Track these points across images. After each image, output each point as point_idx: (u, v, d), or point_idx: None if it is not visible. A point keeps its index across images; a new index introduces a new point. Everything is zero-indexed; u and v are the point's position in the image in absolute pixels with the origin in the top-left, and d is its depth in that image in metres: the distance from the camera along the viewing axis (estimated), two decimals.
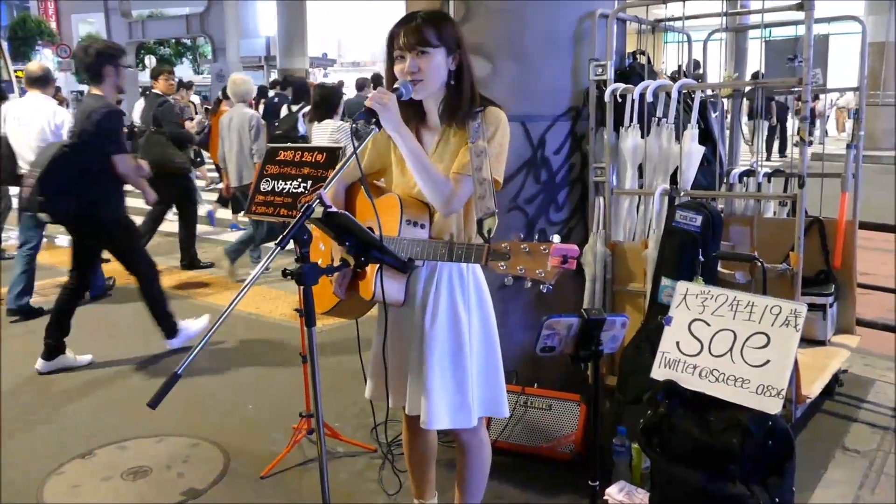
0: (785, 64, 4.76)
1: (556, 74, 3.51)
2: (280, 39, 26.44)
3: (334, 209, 1.93)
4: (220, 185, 7.60)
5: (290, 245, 1.87)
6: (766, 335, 2.55)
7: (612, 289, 3.62)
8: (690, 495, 2.57)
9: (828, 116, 20.00)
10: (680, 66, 4.11)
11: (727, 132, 4.31)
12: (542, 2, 3.41)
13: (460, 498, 2.59)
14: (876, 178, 11.77)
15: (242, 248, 6.75)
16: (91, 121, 4.39)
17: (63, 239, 8.94)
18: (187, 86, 13.71)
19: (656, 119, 3.50)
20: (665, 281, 3.25)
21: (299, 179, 3.67)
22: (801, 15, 3.19)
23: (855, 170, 3.86)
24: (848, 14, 4.04)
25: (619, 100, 3.51)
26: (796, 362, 3.09)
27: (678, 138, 3.46)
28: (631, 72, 3.72)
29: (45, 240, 6.24)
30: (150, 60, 30.09)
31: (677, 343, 2.71)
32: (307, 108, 7.24)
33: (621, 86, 3.48)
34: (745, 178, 3.97)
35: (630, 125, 3.51)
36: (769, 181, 3.98)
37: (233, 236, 7.96)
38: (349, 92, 15.12)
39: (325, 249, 2.44)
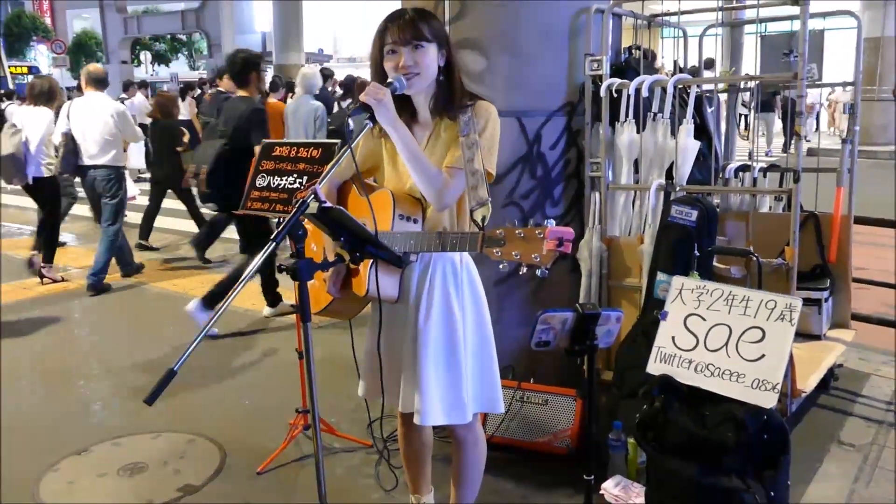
0: (780, 59, 4.77)
1: (552, 69, 3.50)
2: (276, 35, 26.38)
3: (329, 204, 1.93)
4: None
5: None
6: (762, 330, 2.56)
7: (607, 284, 3.63)
8: (686, 489, 2.58)
9: (818, 112, 20.00)
10: (675, 62, 4.11)
11: (723, 127, 4.31)
12: None
13: (456, 493, 2.59)
14: (871, 173, 11.79)
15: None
16: (243, 119, 5.02)
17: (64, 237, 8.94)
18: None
19: (652, 114, 3.51)
20: (661, 276, 3.25)
21: (295, 175, 3.67)
22: (796, 10, 3.20)
23: (850, 165, 3.87)
24: (843, 9, 4.05)
25: (615, 95, 3.51)
26: (791, 356, 3.10)
27: (674, 133, 3.46)
28: (626, 67, 3.72)
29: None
30: (146, 56, 30.03)
31: (673, 338, 2.72)
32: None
33: (617, 81, 3.47)
34: (740, 173, 3.97)
35: (626, 120, 3.51)
36: (765, 176, 3.98)
37: None
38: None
39: (316, 250, 2.44)
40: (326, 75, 11.68)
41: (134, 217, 7.76)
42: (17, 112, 7.17)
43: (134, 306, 6.06)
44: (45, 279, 6.61)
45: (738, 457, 2.50)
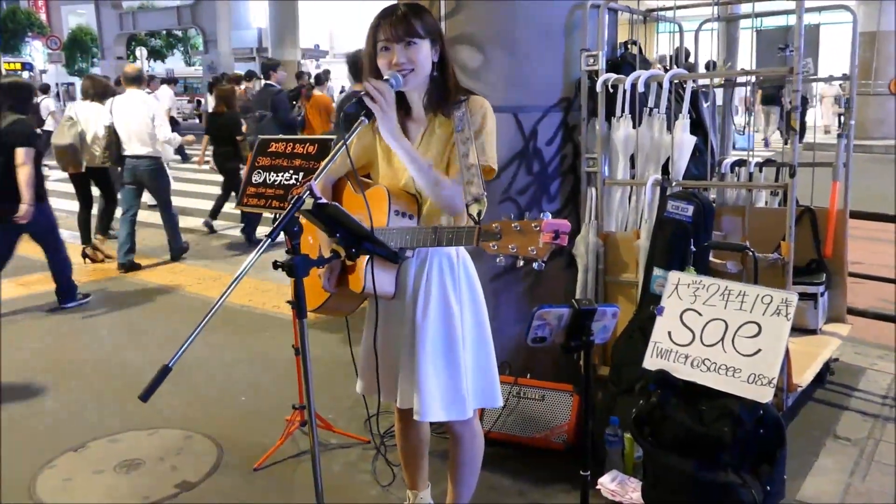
0: (776, 53, 4.76)
1: (548, 65, 3.50)
2: (271, 31, 26.36)
3: (325, 200, 1.92)
4: None
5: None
6: (758, 324, 2.56)
7: (604, 279, 3.63)
8: (682, 484, 2.58)
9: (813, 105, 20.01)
10: (670, 56, 4.10)
11: (718, 122, 4.31)
12: None
13: (453, 488, 2.59)
14: (867, 168, 11.81)
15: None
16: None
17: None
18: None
19: (648, 109, 3.50)
20: (657, 271, 3.25)
21: (291, 171, 3.67)
22: (792, 4, 3.19)
23: (846, 159, 3.87)
24: (838, 3, 4.04)
25: (611, 90, 3.50)
26: (787, 351, 3.11)
27: (670, 128, 3.46)
28: (622, 62, 3.71)
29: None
30: (142, 52, 29.93)
31: (669, 333, 2.72)
32: None
33: (613, 76, 3.47)
34: (736, 168, 3.98)
35: (622, 115, 3.51)
36: (761, 171, 3.99)
37: None
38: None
39: (313, 243, 2.44)
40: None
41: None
42: (75, 107, 7.78)
43: (136, 304, 6.05)
44: (90, 259, 7.29)
45: (735, 451, 2.51)
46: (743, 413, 2.49)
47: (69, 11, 40.14)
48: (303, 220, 2.03)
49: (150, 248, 7.78)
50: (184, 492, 3.19)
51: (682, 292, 2.75)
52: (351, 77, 6.22)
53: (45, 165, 6.58)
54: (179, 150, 9.58)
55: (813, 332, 3.87)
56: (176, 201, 7.69)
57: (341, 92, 13.88)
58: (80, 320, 5.58)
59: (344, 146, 2.06)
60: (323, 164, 2.10)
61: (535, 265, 1.77)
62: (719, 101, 4.58)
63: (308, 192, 1.89)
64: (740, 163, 3.99)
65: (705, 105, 3.86)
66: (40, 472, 3.35)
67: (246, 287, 6.14)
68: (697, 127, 3.65)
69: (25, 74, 30.11)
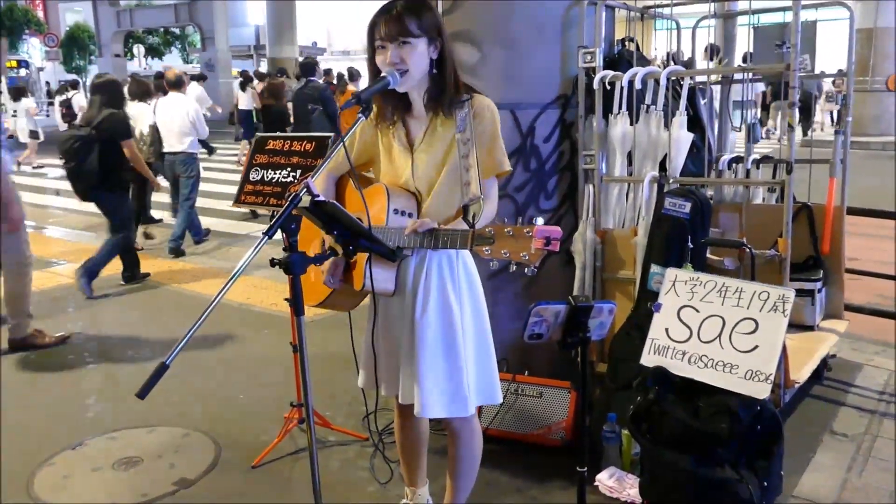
0: (773, 50, 4.76)
1: (545, 62, 3.50)
2: (269, 28, 26.33)
3: (322, 198, 1.92)
4: None
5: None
6: (755, 321, 2.57)
7: (601, 276, 3.63)
8: (680, 480, 2.59)
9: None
10: (668, 53, 4.11)
11: (716, 119, 4.31)
12: None
13: (451, 485, 2.60)
14: (864, 164, 11.82)
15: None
16: None
17: (53, 231, 8.93)
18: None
19: (645, 106, 3.51)
20: (654, 268, 3.26)
21: (288, 169, 3.66)
22: (789, 1, 3.19)
23: (843, 156, 3.87)
24: (835, 0, 4.04)
25: (608, 87, 3.51)
26: (785, 347, 3.11)
27: (667, 125, 3.46)
28: (620, 59, 3.72)
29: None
30: (139, 49, 29.86)
31: (666, 329, 2.73)
32: None
33: (610, 73, 3.47)
34: (734, 165, 3.98)
35: (619, 112, 3.51)
36: (758, 168, 3.99)
37: None
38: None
39: (316, 241, 2.44)
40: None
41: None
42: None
43: (134, 301, 6.05)
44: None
45: (732, 448, 2.52)
46: (740, 409, 2.50)
47: (66, 9, 40.06)
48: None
49: (150, 244, 7.79)
50: (182, 489, 3.19)
51: (679, 289, 2.76)
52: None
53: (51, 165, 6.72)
54: (204, 144, 10.01)
55: (810, 328, 3.88)
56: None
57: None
58: (83, 317, 5.58)
59: (341, 143, 2.06)
60: (321, 161, 2.10)
61: (527, 270, 1.79)
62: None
63: (305, 189, 1.89)
64: (738, 159, 3.99)
65: (702, 102, 3.87)
66: (38, 470, 3.35)
67: (244, 284, 6.14)
68: (695, 124, 3.65)
69: (22, 72, 30.05)
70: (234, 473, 3.30)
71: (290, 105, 10.42)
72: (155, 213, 8.64)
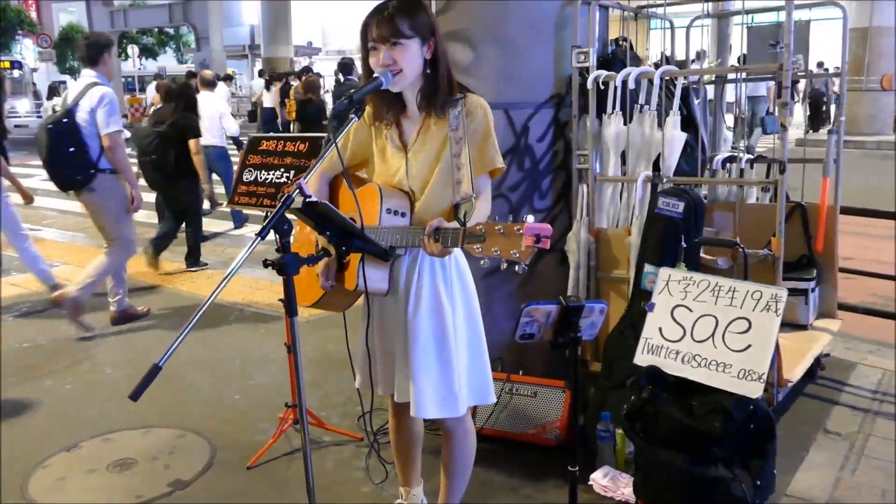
0: (767, 49, 4.77)
1: (539, 61, 3.50)
2: (264, 28, 26.27)
3: (314, 199, 1.92)
4: None
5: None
6: (748, 320, 2.57)
7: (595, 276, 3.64)
8: (674, 479, 2.60)
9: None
10: (663, 53, 4.11)
11: (710, 118, 4.32)
12: None
13: (446, 484, 2.60)
14: (859, 163, 11.86)
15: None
16: None
17: (47, 232, 8.90)
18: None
19: (639, 106, 3.51)
20: (648, 267, 3.26)
21: (282, 169, 3.66)
22: (782, 1, 3.20)
23: (836, 155, 3.88)
24: (829, 0, 4.05)
25: (602, 87, 3.51)
26: (778, 346, 3.12)
27: (661, 125, 3.47)
28: (613, 58, 3.72)
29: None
30: (133, 50, 29.77)
31: (660, 329, 2.73)
32: None
33: (604, 73, 3.48)
34: (727, 165, 3.99)
35: (613, 112, 3.52)
36: (752, 167, 4.00)
37: None
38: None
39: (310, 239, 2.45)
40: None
41: None
42: None
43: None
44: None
45: (726, 446, 2.52)
46: (734, 408, 2.50)
47: (60, 9, 39.94)
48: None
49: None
50: (177, 490, 3.19)
51: (672, 288, 2.77)
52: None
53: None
54: (235, 140, 10.83)
55: (804, 327, 3.89)
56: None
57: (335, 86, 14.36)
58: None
59: (333, 145, 2.06)
60: (314, 162, 2.10)
61: (517, 268, 1.79)
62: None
63: (298, 190, 1.89)
64: (731, 159, 4.00)
65: (696, 101, 3.87)
66: (33, 472, 3.34)
67: (240, 284, 6.13)
68: (688, 123, 3.66)
69: (15, 73, 29.94)
70: (230, 474, 3.30)
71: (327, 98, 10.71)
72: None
